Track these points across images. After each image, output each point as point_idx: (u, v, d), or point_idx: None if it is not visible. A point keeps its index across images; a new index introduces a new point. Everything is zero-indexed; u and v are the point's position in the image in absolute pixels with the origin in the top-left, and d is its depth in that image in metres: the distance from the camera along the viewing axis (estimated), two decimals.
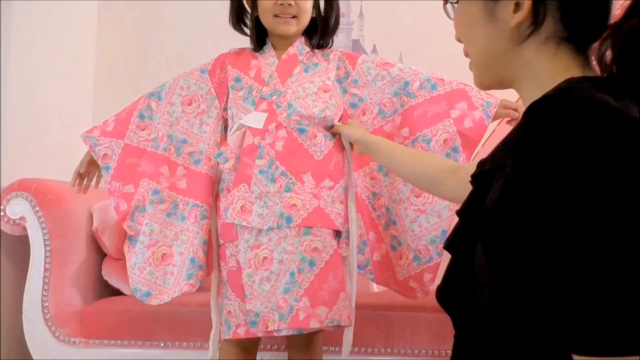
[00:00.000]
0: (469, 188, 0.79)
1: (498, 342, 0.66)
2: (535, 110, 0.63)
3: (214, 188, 1.51)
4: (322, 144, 1.45)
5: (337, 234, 1.44)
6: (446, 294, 0.75)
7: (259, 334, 1.38)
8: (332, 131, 1.48)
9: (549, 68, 0.73)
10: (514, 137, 0.68)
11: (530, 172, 0.60)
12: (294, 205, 1.39)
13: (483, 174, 0.71)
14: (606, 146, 0.56)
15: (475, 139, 1.46)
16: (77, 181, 1.52)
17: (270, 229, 1.38)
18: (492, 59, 0.77)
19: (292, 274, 1.36)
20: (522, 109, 1.46)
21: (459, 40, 0.84)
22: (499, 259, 0.62)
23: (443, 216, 1.46)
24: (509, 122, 1.49)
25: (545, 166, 0.58)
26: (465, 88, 1.48)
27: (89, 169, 1.53)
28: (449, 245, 0.77)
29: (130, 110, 1.55)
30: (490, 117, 1.45)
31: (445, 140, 1.45)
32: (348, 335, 1.46)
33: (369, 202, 1.52)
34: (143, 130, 1.54)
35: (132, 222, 1.50)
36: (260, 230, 1.39)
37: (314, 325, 1.33)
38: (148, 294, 1.46)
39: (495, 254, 0.63)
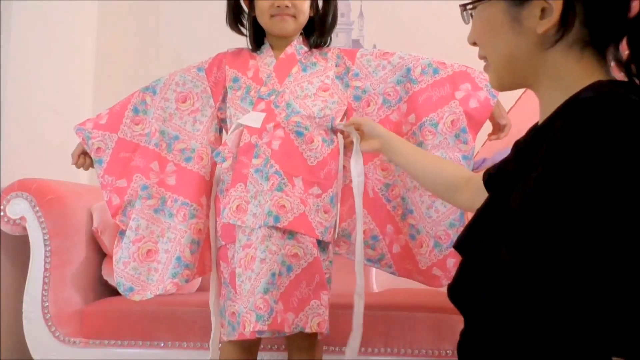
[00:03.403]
0: (480, 197, 0.78)
1: (519, 342, 0.65)
2: (580, 113, 0.63)
3: (206, 188, 1.50)
4: (317, 150, 1.44)
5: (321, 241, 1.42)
6: (459, 293, 0.75)
7: (237, 336, 1.36)
8: (349, 124, 1.43)
9: (575, 72, 0.73)
10: (543, 138, 0.67)
11: (574, 174, 0.59)
12: (283, 206, 1.37)
13: (502, 176, 0.71)
14: None
15: (481, 119, 1.44)
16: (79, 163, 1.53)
17: (260, 227, 1.37)
18: (517, 64, 0.77)
19: (273, 274, 1.33)
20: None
21: (473, 44, 0.83)
22: (530, 259, 0.62)
23: None
24: (491, 134, 1.47)
25: (595, 169, 0.58)
26: (467, 70, 1.46)
27: (82, 161, 1.52)
28: (460, 245, 0.77)
29: (124, 103, 1.54)
30: (496, 97, 1.43)
31: (452, 122, 1.43)
32: (352, 342, 1.42)
33: (382, 195, 1.50)
34: (137, 124, 1.52)
35: (123, 217, 1.49)
36: (252, 230, 1.38)
37: (286, 329, 1.33)
38: (131, 289, 1.45)
39: (526, 255, 0.62)
